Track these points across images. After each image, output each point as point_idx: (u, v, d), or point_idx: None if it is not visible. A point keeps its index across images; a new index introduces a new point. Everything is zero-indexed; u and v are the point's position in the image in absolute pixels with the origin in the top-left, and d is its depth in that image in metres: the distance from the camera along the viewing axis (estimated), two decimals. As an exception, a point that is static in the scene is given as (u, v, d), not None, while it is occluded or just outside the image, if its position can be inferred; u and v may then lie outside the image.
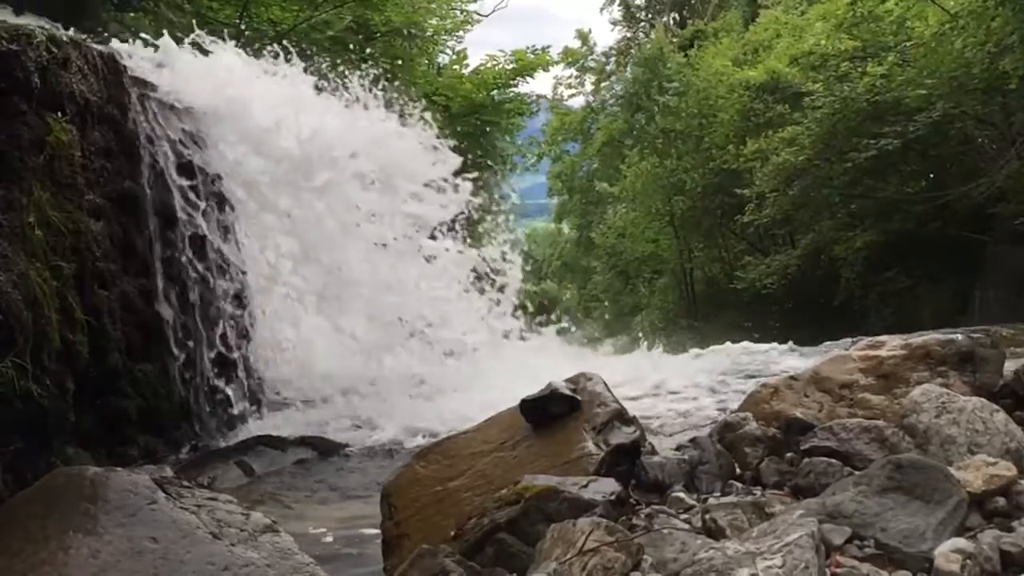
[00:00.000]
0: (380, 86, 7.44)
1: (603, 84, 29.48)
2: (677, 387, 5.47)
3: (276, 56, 6.82)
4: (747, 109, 15.87)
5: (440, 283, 7.27)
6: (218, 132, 6.06)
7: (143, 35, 6.18)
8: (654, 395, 5.28)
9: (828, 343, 6.84)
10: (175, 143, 5.62)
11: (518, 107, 16.05)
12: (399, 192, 7.14)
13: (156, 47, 6.04)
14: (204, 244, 5.66)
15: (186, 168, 5.63)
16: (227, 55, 6.51)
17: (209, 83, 6.01)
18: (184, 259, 5.47)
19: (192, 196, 5.64)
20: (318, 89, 6.95)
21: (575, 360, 6.76)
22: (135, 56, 5.67)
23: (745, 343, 7.63)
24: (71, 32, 5.05)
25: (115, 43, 5.70)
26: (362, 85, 7.30)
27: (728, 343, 7.70)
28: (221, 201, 5.99)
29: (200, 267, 5.62)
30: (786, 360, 6.42)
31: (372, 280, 6.65)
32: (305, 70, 6.99)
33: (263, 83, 6.56)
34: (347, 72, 7.42)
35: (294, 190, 6.37)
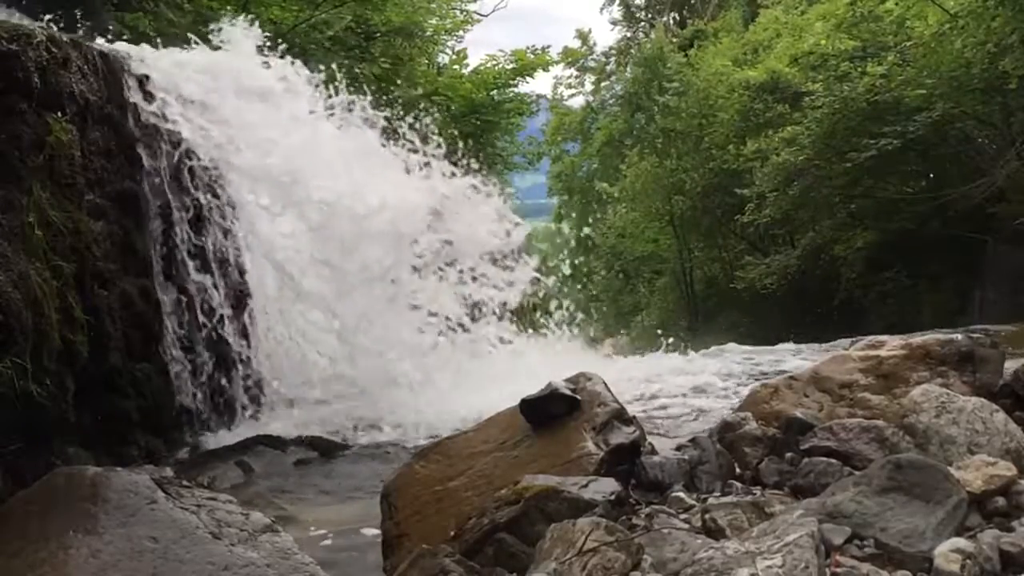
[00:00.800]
0: (435, 130, 6.65)
1: (603, 84, 29.49)
2: (691, 387, 5.40)
3: (329, 81, 5.96)
4: (747, 109, 15.85)
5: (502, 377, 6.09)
6: (260, 202, 5.30)
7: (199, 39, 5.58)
8: (670, 396, 5.23)
9: (832, 343, 6.82)
10: (190, 219, 5.03)
11: (518, 107, 16.04)
12: (462, 271, 6.26)
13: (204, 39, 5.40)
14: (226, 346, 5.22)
15: (204, 253, 5.12)
16: (285, 71, 5.64)
17: (262, 133, 5.18)
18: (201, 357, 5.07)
19: (213, 293, 5.14)
20: (384, 136, 6.15)
21: (586, 360, 6.53)
22: (165, 85, 4.92)
23: (751, 346, 7.59)
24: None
25: (147, 67, 5.04)
26: (415, 128, 6.46)
27: (732, 344, 7.68)
28: (243, 298, 5.37)
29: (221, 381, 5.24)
30: (796, 360, 6.37)
31: (425, 383, 5.67)
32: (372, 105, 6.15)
33: (325, 130, 5.71)
34: (400, 112, 6.61)
35: (343, 276, 5.48)
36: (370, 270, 5.52)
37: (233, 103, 5.23)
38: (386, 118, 6.34)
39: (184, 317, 5.23)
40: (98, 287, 4.56)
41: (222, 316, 5.33)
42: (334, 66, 6.32)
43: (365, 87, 6.74)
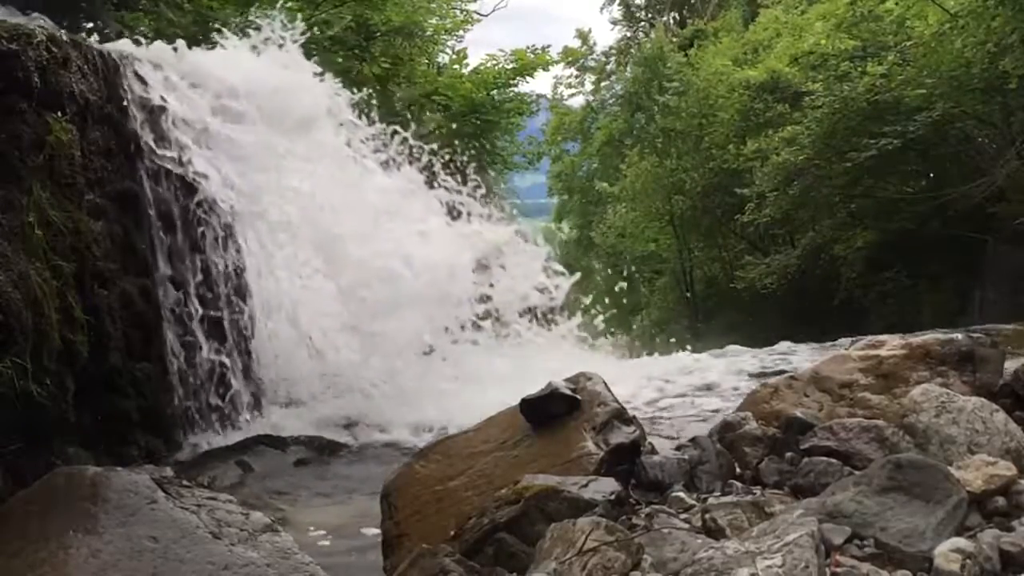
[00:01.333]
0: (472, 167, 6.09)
1: (603, 84, 29.48)
2: (698, 386, 5.37)
3: (366, 106, 5.44)
4: (747, 109, 15.84)
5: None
6: (286, 256, 4.94)
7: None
8: (676, 395, 5.21)
9: (832, 343, 6.78)
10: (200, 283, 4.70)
11: (518, 107, 16.03)
12: (497, 332, 5.84)
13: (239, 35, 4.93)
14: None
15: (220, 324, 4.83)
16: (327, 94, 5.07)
17: (298, 182, 4.68)
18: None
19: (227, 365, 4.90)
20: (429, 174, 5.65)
21: (592, 361, 6.42)
22: (185, 117, 4.48)
23: (752, 346, 7.57)
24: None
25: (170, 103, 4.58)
26: (453, 163, 5.99)
27: (735, 345, 7.66)
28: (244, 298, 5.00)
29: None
30: (798, 360, 6.33)
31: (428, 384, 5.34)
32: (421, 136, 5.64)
33: (367, 168, 5.31)
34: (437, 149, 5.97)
35: (373, 342, 5.19)
36: (405, 337, 5.13)
37: (267, 140, 4.75)
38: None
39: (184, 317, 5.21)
40: (98, 287, 4.56)
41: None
42: (367, 90, 5.82)
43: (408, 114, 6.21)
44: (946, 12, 11.26)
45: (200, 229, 4.90)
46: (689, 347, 7.72)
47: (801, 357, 6.53)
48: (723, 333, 13.69)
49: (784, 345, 7.29)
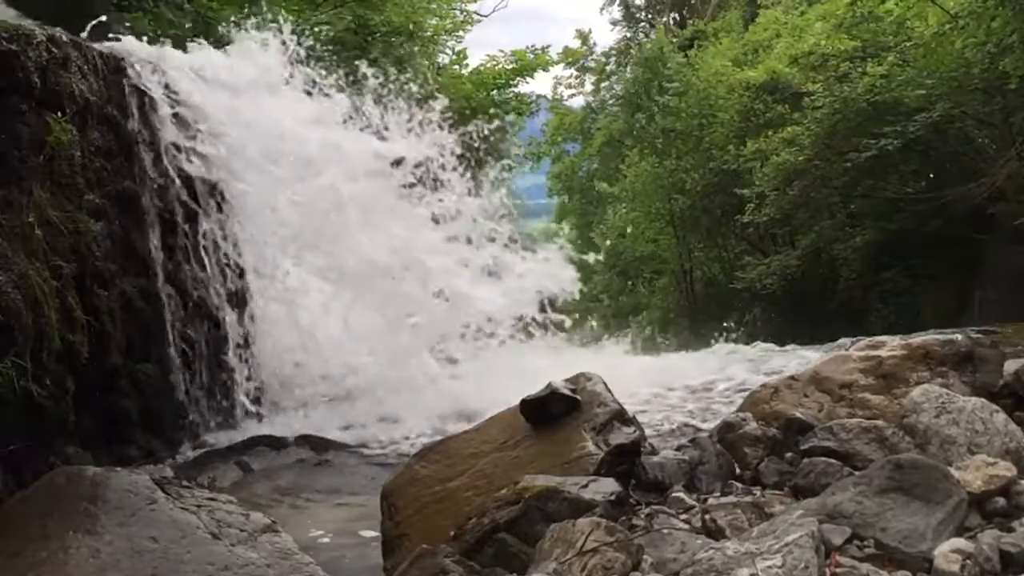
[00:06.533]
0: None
1: (603, 84, 29.49)
2: (696, 386, 5.42)
3: None
4: (747, 109, 15.83)
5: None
6: None
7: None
8: (681, 396, 5.23)
9: (832, 343, 6.78)
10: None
11: (518, 107, 16.04)
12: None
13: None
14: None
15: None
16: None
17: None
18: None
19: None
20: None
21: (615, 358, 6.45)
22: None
23: (753, 346, 7.58)
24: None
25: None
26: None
27: (733, 344, 7.67)
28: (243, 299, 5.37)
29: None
30: (797, 360, 6.32)
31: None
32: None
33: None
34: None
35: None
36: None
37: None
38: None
39: (184, 317, 5.22)
40: (98, 287, 4.56)
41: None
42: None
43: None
44: (946, 13, 11.26)
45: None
46: (689, 347, 7.75)
47: (801, 357, 6.53)
48: (723, 333, 13.70)
49: (784, 345, 7.29)
